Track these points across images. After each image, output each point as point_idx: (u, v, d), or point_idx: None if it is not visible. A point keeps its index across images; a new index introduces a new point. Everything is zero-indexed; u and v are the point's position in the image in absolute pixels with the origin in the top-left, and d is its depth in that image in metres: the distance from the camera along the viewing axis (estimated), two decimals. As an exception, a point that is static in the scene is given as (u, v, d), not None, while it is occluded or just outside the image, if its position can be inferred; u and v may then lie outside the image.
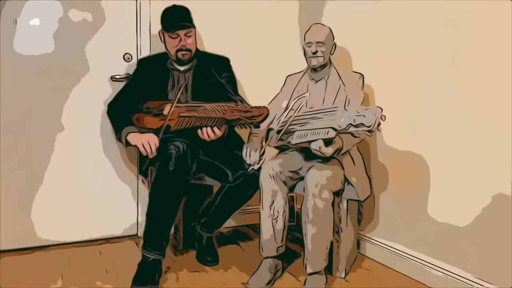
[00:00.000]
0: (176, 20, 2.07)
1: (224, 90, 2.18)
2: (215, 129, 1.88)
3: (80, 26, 2.34)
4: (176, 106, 1.91)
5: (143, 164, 2.20)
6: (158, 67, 2.20)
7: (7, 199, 2.25)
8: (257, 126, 1.85)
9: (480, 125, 1.76)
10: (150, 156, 1.95)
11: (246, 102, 2.10)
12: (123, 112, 2.12)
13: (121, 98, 2.21)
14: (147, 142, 1.94)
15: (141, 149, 1.95)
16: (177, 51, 2.11)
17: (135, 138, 2.00)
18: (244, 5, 2.71)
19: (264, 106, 1.83)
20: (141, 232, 2.48)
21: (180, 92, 2.09)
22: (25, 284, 1.91)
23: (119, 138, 2.07)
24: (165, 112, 1.92)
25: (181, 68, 2.18)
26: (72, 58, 2.34)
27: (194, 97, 2.15)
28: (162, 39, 2.16)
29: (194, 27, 2.12)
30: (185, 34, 2.09)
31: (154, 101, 2.11)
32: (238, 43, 2.67)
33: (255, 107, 1.84)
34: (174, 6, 2.13)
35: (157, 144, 1.94)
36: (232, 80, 2.25)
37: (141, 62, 2.27)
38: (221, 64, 2.25)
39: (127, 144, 2.02)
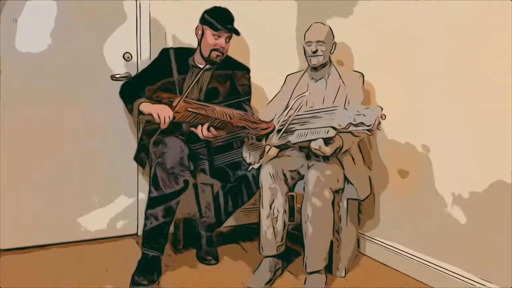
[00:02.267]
0: (228, 21, 2.10)
1: (237, 97, 2.19)
2: (211, 129, 1.90)
3: (80, 26, 2.34)
4: (185, 101, 1.91)
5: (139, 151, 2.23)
6: (179, 61, 2.21)
7: (7, 199, 2.25)
8: (259, 138, 1.90)
9: (480, 124, 1.76)
10: (163, 127, 1.94)
11: (256, 115, 2.11)
12: (135, 92, 2.14)
13: (135, 82, 2.23)
14: (162, 112, 1.93)
15: (156, 117, 1.94)
16: (213, 50, 2.11)
17: (148, 106, 2.01)
18: (244, 4, 2.70)
19: (272, 122, 1.86)
20: (141, 231, 2.48)
21: (190, 87, 2.09)
22: (25, 284, 1.90)
23: (131, 109, 2.09)
24: (174, 103, 1.93)
25: (201, 66, 2.18)
26: (72, 58, 2.34)
27: (207, 96, 2.15)
28: (200, 34, 2.16)
29: (239, 34, 2.14)
30: (227, 38, 2.12)
31: (165, 92, 2.12)
32: (238, 43, 2.67)
33: (263, 121, 1.90)
34: (225, 8, 2.15)
35: (171, 116, 1.93)
36: (247, 91, 2.27)
37: (164, 52, 2.27)
38: (242, 72, 2.27)
39: (140, 113, 2.03)
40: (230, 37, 2.15)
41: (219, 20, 2.10)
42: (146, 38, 2.48)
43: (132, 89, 2.17)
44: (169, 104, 1.95)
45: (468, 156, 1.81)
